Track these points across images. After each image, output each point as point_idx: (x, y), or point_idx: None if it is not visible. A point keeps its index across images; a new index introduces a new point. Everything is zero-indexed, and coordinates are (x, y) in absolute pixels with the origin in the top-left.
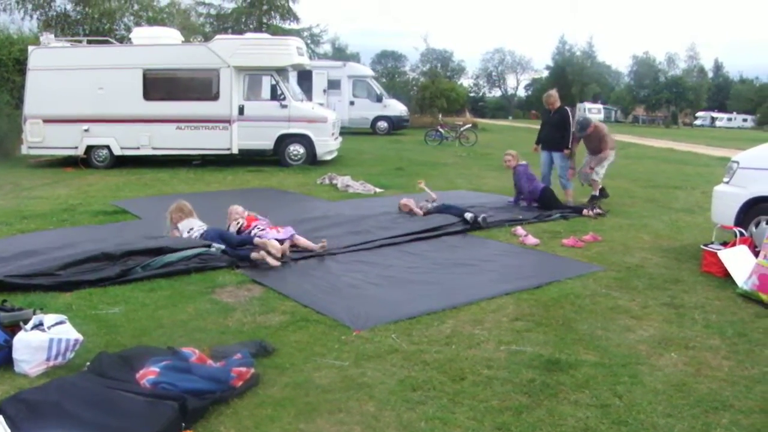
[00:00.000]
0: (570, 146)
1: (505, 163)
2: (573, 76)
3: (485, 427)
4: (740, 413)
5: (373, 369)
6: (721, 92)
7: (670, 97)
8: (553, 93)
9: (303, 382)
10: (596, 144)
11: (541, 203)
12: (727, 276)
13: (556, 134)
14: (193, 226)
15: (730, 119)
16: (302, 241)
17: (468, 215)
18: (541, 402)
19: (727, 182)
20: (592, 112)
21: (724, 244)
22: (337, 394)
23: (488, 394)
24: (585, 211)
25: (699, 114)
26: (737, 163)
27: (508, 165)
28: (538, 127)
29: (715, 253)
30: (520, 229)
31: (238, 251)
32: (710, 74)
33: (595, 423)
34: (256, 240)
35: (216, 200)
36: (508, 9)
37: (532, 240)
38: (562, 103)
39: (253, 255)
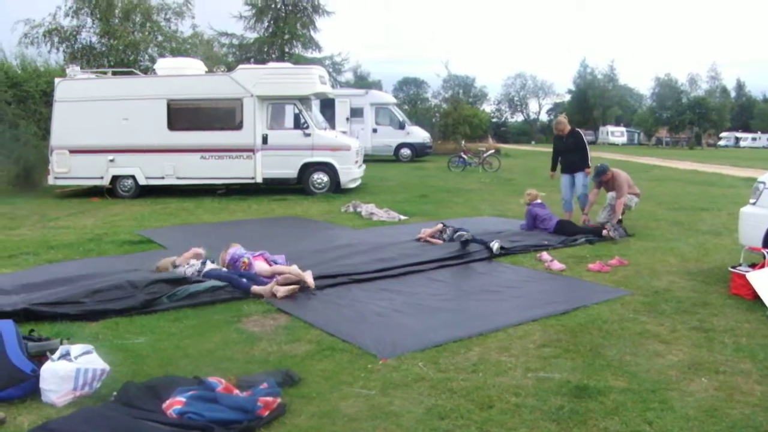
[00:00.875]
0: (590, 165)
1: (526, 196)
2: (595, 100)
3: None
4: None
5: (400, 397)
6: (745, 112)
7: (693, 118)
8: (562, 119)
9: (330, 411)
10: (613, 189)
11: (561, 232)
12: (756, 298)
13: (575, 156)
14: (189, 270)
15: (754, 139)
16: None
17: (495, 245)
18: (570, 429)
19: (754, 203)
20: (615, 135)
21: (753, 265)
22: (365, 423)
23: (516, 421)
24: (605, 232)
25: (723, 134)
26: (764, 183)
27: (528, 200)
28: None
29: (744, 275)
30: (545, 255)
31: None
32: (733, 94)
33: None
34: (254, 289)
35: (241, 229)
36: (529, 34)
37: (557, 265)
38: (582, 127)
39: (254, 289)
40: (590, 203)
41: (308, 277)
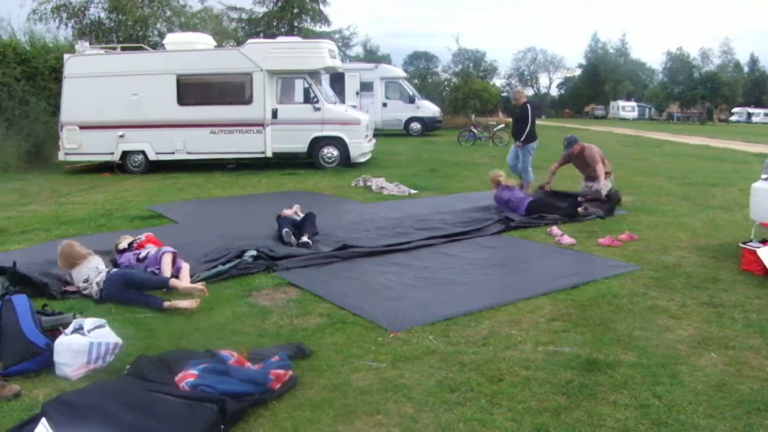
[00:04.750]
0: (523, 140)
1: (490, 181)
2: (606, 74)
3: (524, 428)
4: None
5: (410, 370)
6: (758, 87)
7: (705, 93)
8: (519, 89)
9: (341, 384)
10: (585, 168)
11: (534, 213)
12: (766, 274)
13: (519, 128)
14: (89, 275)
15: (767, 115)
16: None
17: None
18: (580, 403)
19: (766, 179)
20: (626, 109)
21: (764, 241)
22: (375, 396)
23: (526, 395)
24: (581, 209)
25: (735, 110)
26: None
27: (494, 185)
28: (572, 125)
29: (754, 251)
30: (555, 229)
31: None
32: (746, 69)
33: (634, 424)
34: (173, 282)
35: (251, 203)
36: (539, 7)
37: (567, 240)
38: (593, 101)
39: (166, 304)
40: (551, 174)
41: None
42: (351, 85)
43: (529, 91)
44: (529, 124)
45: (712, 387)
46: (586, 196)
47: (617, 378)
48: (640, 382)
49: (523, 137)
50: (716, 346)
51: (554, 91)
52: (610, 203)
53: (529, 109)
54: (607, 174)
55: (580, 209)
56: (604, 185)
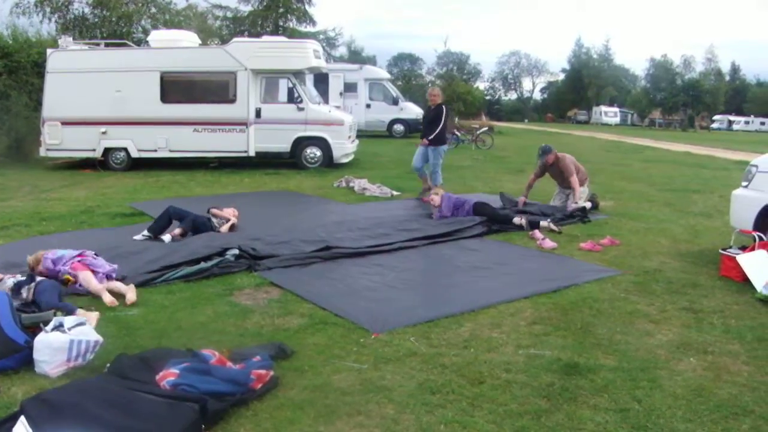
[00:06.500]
0: (432, 140)
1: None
2: (589, 79)
3: (504, 431)
4: (761, 419)
5: (392, 372)
6: (739, 95)
7: (687, 100)
8: (436, 89)
9: (322, 384)
10: (560, 178)
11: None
12: (745, 280)
13: (429, 128)
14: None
15: (747, 122)
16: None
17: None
18: (560, 406)
19: (746, 186)
20: (608, 115)
21: (743, 248)
22: (357, 397)
23: (507, 397)
24: (542, 223)
25: (716, 117)
26: (756, 167)
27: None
28: (554, 129)
29: (734, 258)
30: (537, 233)
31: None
32: (727, 77)
33: (614, 427)
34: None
35: (233, 203)
36: (524, 11)
37: (549, 244)
38: (576, 106)
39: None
40: (528, 187)
41: (130, 293)
42: (335, 85)
43: (512, 95)
44: (440, 126)
45: (691, 391)
46: (558, 222)
47: (597, 382)
48: (620, 386)
49: (432, 137)
50: (695, 351)
51: (537, 95)
52: (583, 214)
53: (444, 111)
54: (582, 181)
55: (543, 222)
56: (580, 196)
